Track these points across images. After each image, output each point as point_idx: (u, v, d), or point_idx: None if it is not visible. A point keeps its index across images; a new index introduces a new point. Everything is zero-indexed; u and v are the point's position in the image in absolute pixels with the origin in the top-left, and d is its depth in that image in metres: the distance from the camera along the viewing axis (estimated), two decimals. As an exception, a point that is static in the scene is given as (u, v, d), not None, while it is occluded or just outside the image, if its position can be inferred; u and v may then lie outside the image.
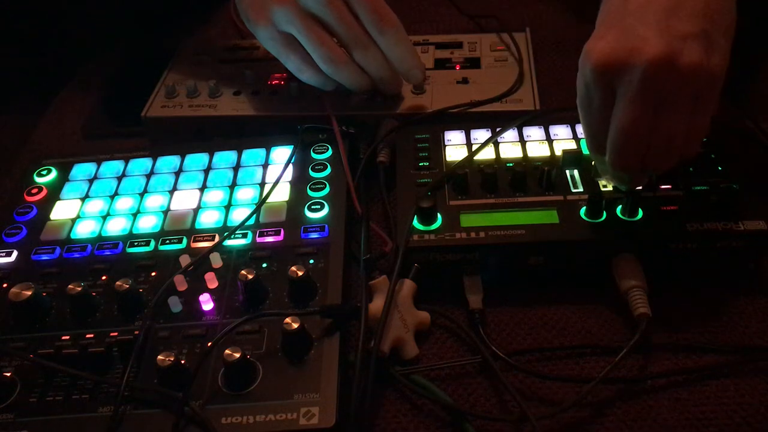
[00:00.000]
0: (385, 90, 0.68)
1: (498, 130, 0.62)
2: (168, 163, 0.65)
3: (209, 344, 0.49)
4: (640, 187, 0.54)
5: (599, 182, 0.57)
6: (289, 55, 0.64)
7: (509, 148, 0.61)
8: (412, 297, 0.53)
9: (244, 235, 0.57)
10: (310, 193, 0.61)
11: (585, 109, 0.50)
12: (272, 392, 0.47)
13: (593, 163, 0.56)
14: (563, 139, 0.62)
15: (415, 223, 0.55)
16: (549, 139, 0.61)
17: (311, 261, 0.55)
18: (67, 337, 0.51)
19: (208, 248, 0.56)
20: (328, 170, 0.62)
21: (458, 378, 0.51)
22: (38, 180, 0.65)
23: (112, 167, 0.66)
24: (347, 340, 0.51)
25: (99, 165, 0.66)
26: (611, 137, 0.48)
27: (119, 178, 0.64)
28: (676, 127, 0.47)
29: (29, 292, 0.52)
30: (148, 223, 0.59)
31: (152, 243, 0.58)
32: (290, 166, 0.63)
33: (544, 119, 0.64)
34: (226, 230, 0.58)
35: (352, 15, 0.62)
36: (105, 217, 0.61)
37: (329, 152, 0.64)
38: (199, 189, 0.62)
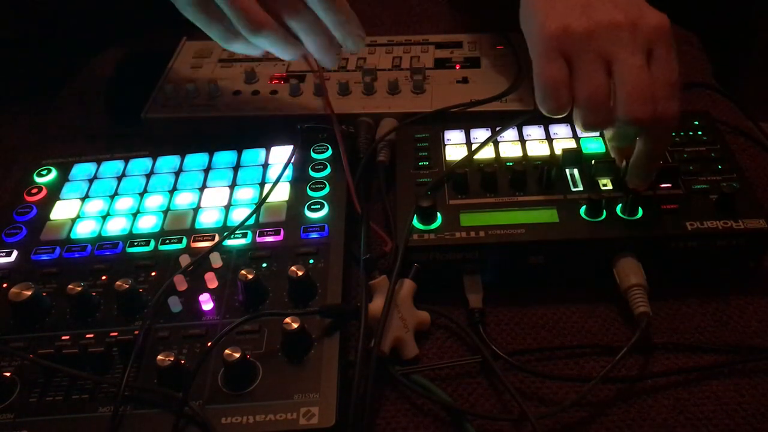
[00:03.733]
0: (322, 60, 0.61)
1: (498, 129, 0.62)
2: (168, 163, 0.65)
3: (209, 344, 0.49)
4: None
5: (599, 181, 0.57)
6: (212, 23, 0.57)
7: (509, 147, 0.61)
8: (412, 297, 0.53)
9: (244, 235, 0.57)
10: (310, 193, 0.61)
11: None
12: (272, 392, 0.47)
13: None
14: (563, 138, 0.62)
15: (415, 222, 0.55)
16: (549, 138, 0.61)
17: (311, 261, 0.55)
18: (67, 337, 0.51)
19: (208, 248, 0.56)
20: (328, 170, 0.62)
21: (458, 378, 0.51)
22: (38, 180, 0.65)
23: (112, 167, 0.66)
24: (347, 340, 0.51)
25: (99, 165, 0.66)
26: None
27: (119, 178, 0.64)
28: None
29: (29, 292, 0.52)
30: (148, 223, 0.59)
31: (152, 243, 0.58)
32: (290, 166, 0.63)
33: (544, 118, 0.64)
34: (226, 230, 0.58)
35: None
36: (105, 217, 0.61)
37: (329, 152, 0.64)
38: (199, 189, 0.62)
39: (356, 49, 0.61)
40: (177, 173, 0.64)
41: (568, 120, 0.63)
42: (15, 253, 0.58)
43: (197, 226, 0.59)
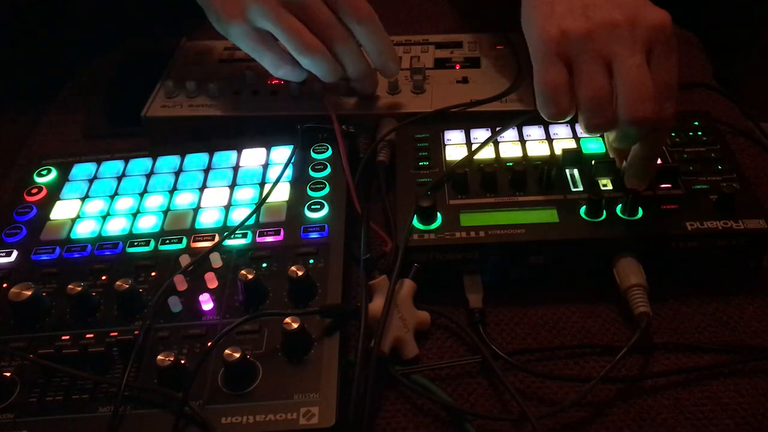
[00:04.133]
0: (362, 87, 0.68)
1: (498, 129, 0.62)
2: (168, 163, 0.65)
3: (209, 344, 0.49)
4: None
5: (599, 181, 0.57)
6: (265, 52, 0.64)
7: (509, 147, 0.61)
8: (412, 297, 0.53)
9: (244, 235, 0.57)
10: (310, 192, 0.61)
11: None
12: (272, 392, 0.47)
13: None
14: (563, 138, 0.62)
15: (415, 222, 0.55)
16: (549, 138, 0.61)
17: (311, 261, 0.55)
18: (67, 337, 0.51)
19: (208, 248, 0.56)
20: (328, 170, 0.62)
21: (458, 378, 0.51)
22: (38, 180, 0.65)
23: (112, 167, 0.66)
24: (347, 340, 0.51)
25: (99, 165, 0.66)
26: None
27: (119, 178, 0.64)
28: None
29: (29, 292, 0.52)
30: (148, 223, 0.59)
31: (152, 243, 0.58)
32: (290, 166, 0.63)
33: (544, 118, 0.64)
34: (226, 230, 0.58)
35: (328, 8, 0.62)
36: (105, 217, 0.61)
37: (329, 152, 0.64)
38: (199, 189, 0.62)
39: (392, 75, 0.67)
40: (177, 173, 0.64)
41: (568, 120, 0.63)
42: (15, 253, 0.58)
43: (197, 226, 0.59)
